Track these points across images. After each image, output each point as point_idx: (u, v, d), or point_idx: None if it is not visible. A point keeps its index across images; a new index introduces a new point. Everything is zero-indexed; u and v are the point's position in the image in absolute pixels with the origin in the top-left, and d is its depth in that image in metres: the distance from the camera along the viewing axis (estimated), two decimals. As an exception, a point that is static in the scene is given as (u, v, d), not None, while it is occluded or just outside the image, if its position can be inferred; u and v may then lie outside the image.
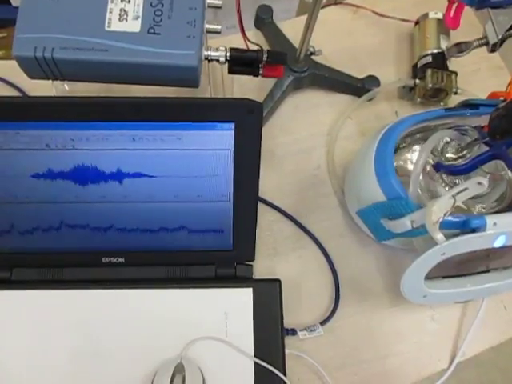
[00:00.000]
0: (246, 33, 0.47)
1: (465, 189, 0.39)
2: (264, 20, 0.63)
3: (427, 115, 0.47)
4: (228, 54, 0.40)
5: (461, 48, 0.41)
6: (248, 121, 0.39)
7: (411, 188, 0.42)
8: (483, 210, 0.46)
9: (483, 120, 0.47)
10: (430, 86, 0.57)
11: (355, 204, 0.49)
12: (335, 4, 0.68)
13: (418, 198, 0.42)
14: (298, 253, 0.54)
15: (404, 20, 0.66)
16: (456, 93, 0.59)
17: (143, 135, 0.40)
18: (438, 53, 0.59)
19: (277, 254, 0.53)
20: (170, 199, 0.43)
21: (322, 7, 0.62)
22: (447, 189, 0.44)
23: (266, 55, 0.39)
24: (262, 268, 0.51)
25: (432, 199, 0.41)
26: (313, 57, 0.59)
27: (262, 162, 0.42)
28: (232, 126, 0.39)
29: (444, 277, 0.48)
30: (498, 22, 0.38)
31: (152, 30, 0.37)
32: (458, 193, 0.39)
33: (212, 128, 0.40)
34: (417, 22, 0.64)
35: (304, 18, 0.53)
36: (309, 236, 0.54)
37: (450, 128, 0.45)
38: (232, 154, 0.41)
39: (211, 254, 0.47)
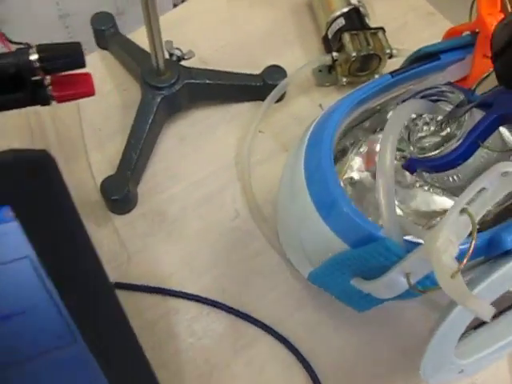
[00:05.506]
0: (91, 55, 0.37)
1: (481, 190, 0.21)
2: (104, 32, 0.44)
3: (366, 90, 0.29)
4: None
5: None
6: (34, 192, 0.19)
7: (385, 216, 0.23)
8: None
9: (450, 74, 0.30)
10: (354, 54, 0.40)
11: (303, 262, 0.30)
12: (202, -8, 0.50)
13: (399, 231, 0.24)
14: (244, 357, 0.34)
15: (293, -12, 0.50)
16: (391, 56, 0.42)
17: None
18: (351, 9, 0.43)
19: (213, 370, 0.33)
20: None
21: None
22: (444, 198, 0.26)
23: (36, 56, 0.20)
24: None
25: (428, 227, 0.22)
26: (183, 62, 0.41)
27: (153, 232, 0.33)
28: (9, 212, 0.19)
29: (476, 327, 0.30)
30: None
31: None
32: (469, 202, 0.21)
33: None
34: (310, -15, 0.48)
35: (162, 17, 0.36)
36: (254, 324, 0.34)
37: (411, 97, 0.27)
38: (35, 259, 0.20)
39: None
